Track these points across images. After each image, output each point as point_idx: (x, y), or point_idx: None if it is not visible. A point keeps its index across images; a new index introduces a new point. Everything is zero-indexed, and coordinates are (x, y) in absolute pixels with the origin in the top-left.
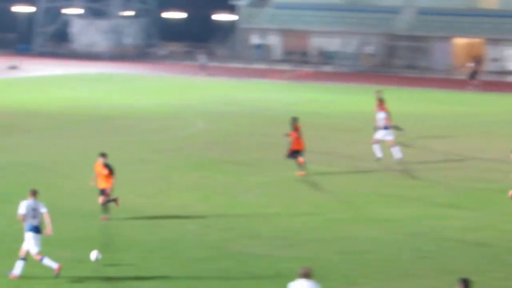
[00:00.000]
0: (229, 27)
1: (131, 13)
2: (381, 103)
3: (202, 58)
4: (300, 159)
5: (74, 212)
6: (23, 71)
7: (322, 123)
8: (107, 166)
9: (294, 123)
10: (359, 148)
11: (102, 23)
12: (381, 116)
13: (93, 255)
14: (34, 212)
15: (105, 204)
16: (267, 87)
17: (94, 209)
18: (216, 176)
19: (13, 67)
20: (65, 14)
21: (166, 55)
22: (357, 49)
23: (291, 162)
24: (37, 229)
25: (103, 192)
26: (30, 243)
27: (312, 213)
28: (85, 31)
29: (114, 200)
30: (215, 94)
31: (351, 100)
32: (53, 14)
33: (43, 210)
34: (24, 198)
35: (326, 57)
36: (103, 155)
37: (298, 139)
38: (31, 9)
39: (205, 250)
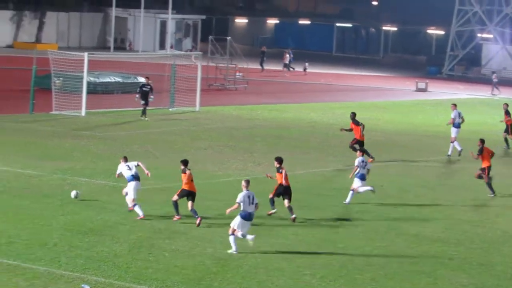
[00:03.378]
0: None
1: None
2: None
3: None
4: None
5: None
6: (431, 93)
7: None
8: None
9: None
10: None
11: None
12: None
13: (73, 193)
14: (128, 166)
15: None
16: None
17: None
18: None
19: (421, 90)
20: (477, 38)
21: None
22: None
23: None
24: (134, 178)
25: None
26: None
27: None
28: (496, 56)
29: None
30: None
31: None
32: (464, 38)
33: (136, 164)
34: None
35: None
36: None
37: None
38: (443, 32)
39: None
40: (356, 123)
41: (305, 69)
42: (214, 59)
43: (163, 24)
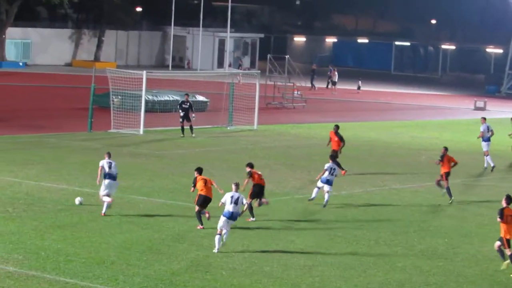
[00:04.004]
0: None
1: None
2: None
3: None
4: None
5: None
6: (490, 112)
7: None
8: None
9: None
10: None
11: None
12: None
13: (77, 200)
14: (110, 164)
15: None
16: None
17: None
18: None
19: (479, 108)
20: None
21: None
22: None
23: None
24: (111, 176)
25: None
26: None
27: None
28: None
29: None
30: None
31: None
32: None
33: (114, 162)
34: None
35: None
36: None
37: None
38: (501, 51)
39: None
40: (339, 136)
41: (359, 87)
42: (273, 77)
43: (222, 43)
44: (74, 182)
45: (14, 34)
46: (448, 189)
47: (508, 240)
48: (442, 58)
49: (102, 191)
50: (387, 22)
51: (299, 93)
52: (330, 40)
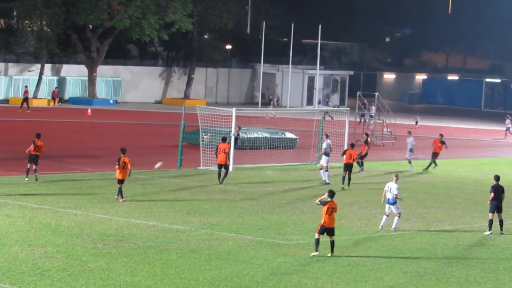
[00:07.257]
0: None
1: None
2: None
3: None
4: None
5: None
6: None
7: None
8: None
9: None
10: None
11: None
12: None
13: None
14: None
15: None
16: None
17: None
18: None
19: None
20: None
21: None
22: None
23: None
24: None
25: None
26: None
27: None
28: None
29: None
30: None
31: None
32: None
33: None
34: None
35: None
36: None
37: None
38: None
39: None
40: (224, 140)
41: (416, 122)
42: (362, 114)
43: (311, 80)
44: (164, 219)
45: (105, 72)
46: None
47: (328, 229)
48: None
49: None
50: (477, 59)
51: (388, 130)
52: (420, 77)
